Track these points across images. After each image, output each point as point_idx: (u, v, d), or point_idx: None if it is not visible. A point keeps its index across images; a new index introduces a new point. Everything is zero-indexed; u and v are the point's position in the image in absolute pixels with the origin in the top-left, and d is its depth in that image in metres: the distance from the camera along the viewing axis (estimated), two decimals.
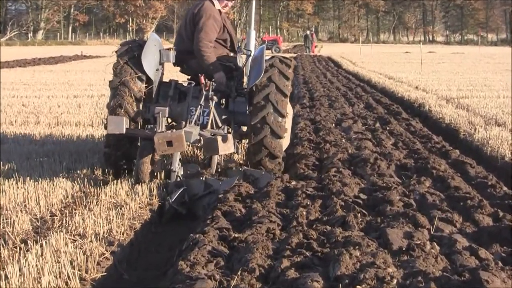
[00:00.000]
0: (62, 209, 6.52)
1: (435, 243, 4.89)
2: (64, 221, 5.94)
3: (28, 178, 7.46)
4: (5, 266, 4.61)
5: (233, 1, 8.77)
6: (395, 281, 4.01)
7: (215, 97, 8.03)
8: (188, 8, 8.74)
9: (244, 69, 8.70)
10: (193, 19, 8.28)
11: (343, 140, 10.00)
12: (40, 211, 6.33)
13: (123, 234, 5.63)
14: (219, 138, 7.36)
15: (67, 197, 6.97)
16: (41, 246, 5.01)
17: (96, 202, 6.60)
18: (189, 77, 8.48)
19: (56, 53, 48.89)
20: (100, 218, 5.88)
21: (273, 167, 7.97)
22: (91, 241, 5.22)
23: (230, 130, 8.26)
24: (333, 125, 11.89)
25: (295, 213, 5.74)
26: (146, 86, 8.06)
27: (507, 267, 4.29)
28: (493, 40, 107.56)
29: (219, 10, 8.39)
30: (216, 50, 8.30)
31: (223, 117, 8.24)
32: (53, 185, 7.21)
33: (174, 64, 8.50)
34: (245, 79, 8.79)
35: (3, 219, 5.88)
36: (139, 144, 7.89)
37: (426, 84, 20.55)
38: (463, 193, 6.52)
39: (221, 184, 7.10)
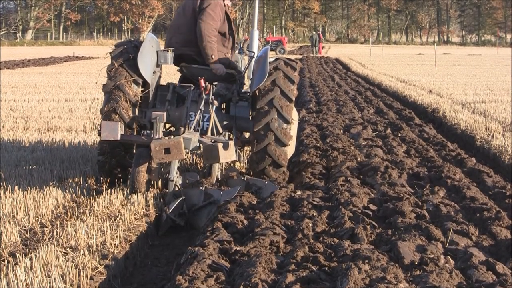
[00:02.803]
0: (53, 220, 6.54)
1: (449, 257, 4.90)
2: (55, 233, 5.95)
3: (16, 187, 7.48)
4: None
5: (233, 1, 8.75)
6: None
7: (215, 101, 8.06)
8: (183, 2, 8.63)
9: (247, 72, 8.72)
10: (198, 9, 8.20)
11: (352, 147, 10.02)
12: (29, 222, 6.35)
13: (117, 246, 5.65)
14: (220, 145, 7.38)
15: (58, 207, 6.99)
16: (31, 259, 5.03)
17: (89, 213, 6.61)
18: (180, 71, 8.45)
19: (47, 54, 49.06)
20: (93, 229, 5.90)
21: (277, 176, 7.98)
22: (83, 254, 5.23)
23: (231, 136, 8.28)
24: (341, 131, 11.92)
25: (300, 224, 5.75)
26: (142, 90, 8.09)
27: None
28: None
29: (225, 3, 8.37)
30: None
31: (224, 122, 8.26)
32: (43, 194, 7.23)
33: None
34: (247, 83, 8.82)
35: None
36: (134, 151, 7.91)
37: (440, 88, 20.58)
38: (480, 204, 6.53)
39: (222, 194, 7.11)
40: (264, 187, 7.47)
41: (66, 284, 4.65)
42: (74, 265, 4.97)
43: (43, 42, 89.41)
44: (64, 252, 5.30)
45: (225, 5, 8.39)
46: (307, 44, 77.14)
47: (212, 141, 7.75)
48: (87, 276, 4.88)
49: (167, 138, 7.38)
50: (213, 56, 8.12)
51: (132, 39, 8.66)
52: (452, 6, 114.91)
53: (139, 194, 7.27)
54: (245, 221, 6.04)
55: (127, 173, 8.01)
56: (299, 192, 7.15)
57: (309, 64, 38.86)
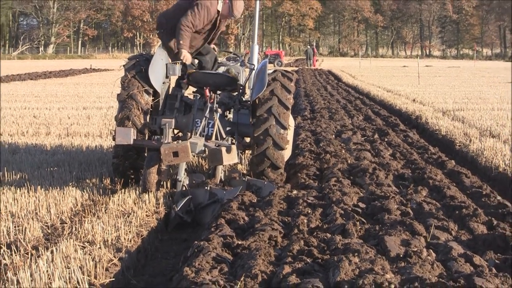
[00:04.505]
0: (72, 216, 6.54)
1: (431, 250, 4.90)
2: (73, 229, 5.95)
3: (39, 187, 7.48)
4: (17, 272, 4.62)
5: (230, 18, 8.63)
6: (392, 286, 4.02)
7: (219, 109, 8.08)
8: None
9: (248, 82, 8.73)
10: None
11: (343, 151, 10.01)
12: (50, 219, 6.34)
13: (130, 241, 5.64)
14: (223, 149, 7.38)
15: (77, 205, 6.99)
16: (52, 252, 5.03)
17: (105, 210, 6.61)
18: (187, 78, 8.43)
19: (66, 66, 49.10)
20: (109, 225, 5.89)
21: (275, 177, 7.97)
22: (99, 247, 5.23)
23: (234, 141, 8.28)
24: (333, 136, 11.91)
25: (296, 221, 5.75)
26: (153, 99, 8.09)
27: (501, 273, 4.30)
28: (488, 54, 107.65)
29: (219, 11, 8.25)
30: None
31: (227, 128, 8.26)
32: (63, 193, 7.23)
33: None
34: (248, 92, 8.82)
35: (15, 227, 5.91)
36: (146, 154, 7.91)
37: (423, 97, 20.57)
38: (459, 202, 6.53)
39: (225, 193, 7.11)
40: (263, 187, 7.46)
41: (84, 275, 4.64)
42: (91, 257, 4.97)
43: (63, 55, 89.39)
44: (82, 246, 5.29)
45: (219, 12, 8.27)
46: (302, 57, 76.99)
47: (216, 145, 7.75)
48: (103, 268, 4.87)
49: (175, 142, 7.38)
50: (181, 42, 8.07)
51: (144, 53, 8.66)
52: (434, 23, 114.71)
53: (150, 193, 7.26)
54: (246, 218, 6.03)
55: (139, 174, 8.00)
56: (295, 192, 7.14)
57: (304, 75, 38.84)
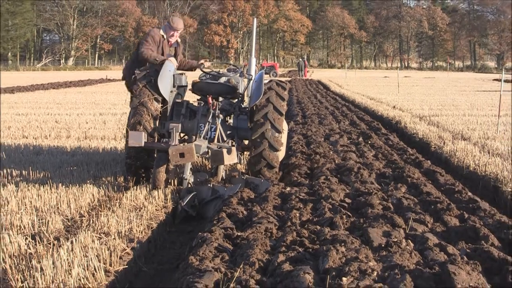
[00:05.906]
0: (90, 211, 6.53)
1: (409, 241, 4.90)
2: (91, 221, 5.95)
3: (60, 184, 7.47)
4: (41, 260, 4.62)
5: (179, 32, 8.69)
6: (375, 273, 4.02)
7: (221, 115, 8.08)
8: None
9: (246, 91, 8.73)
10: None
11: (331, 152, 10.02)
12: (70, 213, 6.34)
13: (141, 232, 5.64)
14: (225, 151, 7.38)
15: (94, 200, 6.99)
16: (72, 242, 5.03)
17: (119, 205, 6.61)
18: (192, 86, 8.48)
19: (85, 77, 49.03)
20: (122, 218, 5.89)
21: (270, 176, 7.97)
22: (114, 238, 5.23)
23: (234, 143, 8.28)
24: (323, 139, 11.91)
25: (289, 214, 5.75)
26: (161, 106, 8.09)
27: (471, 261, 4.30)
28: (459, 66, 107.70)
29: (163, 35, 8.52)
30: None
31: (228, 132, 8.26)
32: (82, 190, 7.22)
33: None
34: (246, 100, 8.83)
35: (39, 220, 5.90)
36: (155, 155, 7.91)
37: (402, 104, 20.59)
38: (434, 197, 6.53)
39: (226, 190, 7.11)
40: (260, 184, 7.46)
41: (100, 262, 4.64)
42: (107, 247, 4.97)
43: (82, 67, 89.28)
44: (98, 237, 5.29)
45: (165, 38, 8.53)
46: (294, 69, 76.92)
47: (218, 147, 7.75)
48: (117, 256, 4.87)
49: (181, 144, 7.38)
50: (156, 59, 8.24)
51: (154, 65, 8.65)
52: (412, 38, 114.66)
53: (159, 190, 7.26)
54: (244, 212, 6.03)
55: (149, 173, 8.00)
56: (288, 188, 7.14)
57: (296, 85, 38.84)
